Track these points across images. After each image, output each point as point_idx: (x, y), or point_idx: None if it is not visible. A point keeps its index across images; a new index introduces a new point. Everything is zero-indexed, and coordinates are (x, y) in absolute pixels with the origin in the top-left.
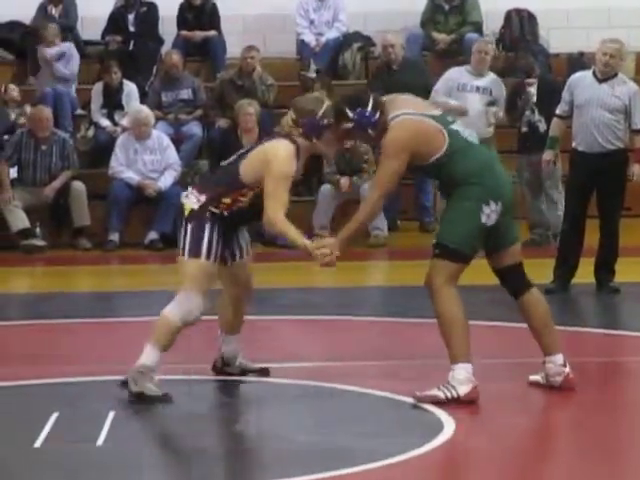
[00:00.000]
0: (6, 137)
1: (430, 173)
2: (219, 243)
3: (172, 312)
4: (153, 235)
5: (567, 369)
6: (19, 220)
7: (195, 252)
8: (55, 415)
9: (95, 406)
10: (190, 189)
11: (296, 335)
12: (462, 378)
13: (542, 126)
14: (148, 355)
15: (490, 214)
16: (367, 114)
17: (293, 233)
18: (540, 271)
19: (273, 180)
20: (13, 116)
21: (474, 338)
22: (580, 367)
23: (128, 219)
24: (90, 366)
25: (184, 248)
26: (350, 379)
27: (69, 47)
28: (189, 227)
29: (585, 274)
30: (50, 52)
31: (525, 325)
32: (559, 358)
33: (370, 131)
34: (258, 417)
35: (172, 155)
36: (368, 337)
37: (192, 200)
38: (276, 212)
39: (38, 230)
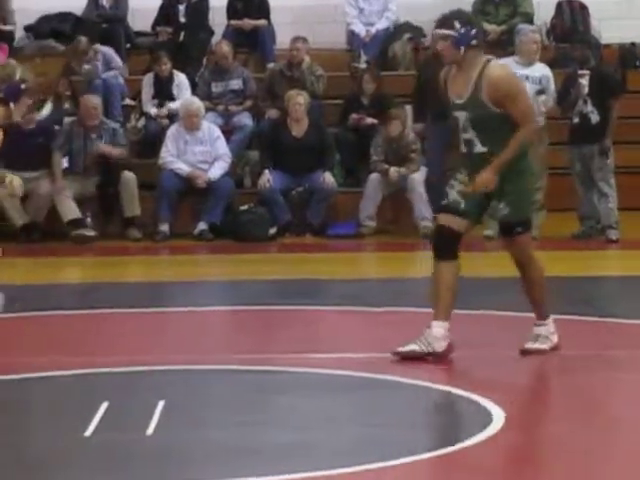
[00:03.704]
0: (57, 127)
1: (499, 124)
2: None
3: None
4: (202, 226)
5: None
6: (70, 210)
7: None
8: (105, 404)
9: (145, 395)
10: None
11: (345, 326)
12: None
13: (594, 117)
14: None
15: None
16: (471, 34)
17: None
18: (589, 263)
19: None
20: (66, 106)
21: (530, 330)
22: None
23: (178, 210)
24: (140, 356)
25: None
26: (398, 370)
27: (105, 54)
28: None
29: None
30: (93, 70)
31: (574, 317)
32: (448, 325)
33: (462, 49)
34: (303, 407)
35: (222, 146)
36: (417, 328)
37: None
38: None
39: (89, 220)
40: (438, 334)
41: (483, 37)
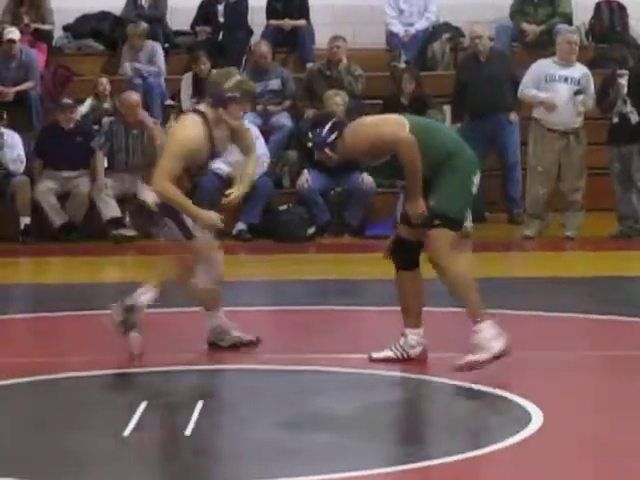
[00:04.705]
0: (96, 127)
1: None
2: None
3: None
4: (241, 226)
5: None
6: (110, 209)
7: (189, 234)
8: (144, 404)
9: (183, 396)
10: (146, 187)
11: (384, 326)
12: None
13: (634, 117)
14: None
15: (476, 184)
16: (322, 135)
17: (183, 200)
18: (627, 263)
19: (166, 148)
20: (106, 106)
21: (569, 330)
22: None
23: (216, 210)
24: (179, 355)
25: (178, 238)
26: (435, 370)
27: (152, 48)
28: (166, 219)
29: None
30: (138, 67)
31: (613, 318)
32: (422, 331)
33: (327, 151)
34: (343, 408)
35: (261, 146)
36: (453, 328)
37: (152, 195)
38: (160, 180)
39: (128, 220)
40: (413, 341)
41: (340, 125)
